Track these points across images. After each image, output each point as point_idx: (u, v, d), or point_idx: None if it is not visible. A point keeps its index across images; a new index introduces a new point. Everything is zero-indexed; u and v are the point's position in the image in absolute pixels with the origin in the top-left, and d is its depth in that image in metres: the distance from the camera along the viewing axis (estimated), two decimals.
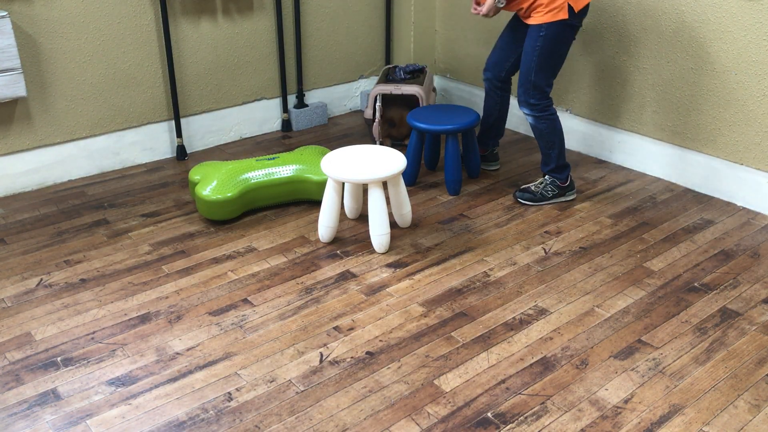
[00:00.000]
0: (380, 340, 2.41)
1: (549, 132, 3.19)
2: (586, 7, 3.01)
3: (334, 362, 2.31)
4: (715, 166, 3.34)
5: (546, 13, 2.96)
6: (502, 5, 3.00)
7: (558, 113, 3.31)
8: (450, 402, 2.14)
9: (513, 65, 3.34)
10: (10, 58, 3.11)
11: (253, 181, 3.16)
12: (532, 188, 3.32)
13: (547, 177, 3.32)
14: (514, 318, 2.52)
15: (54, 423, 2.07)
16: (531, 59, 3.06)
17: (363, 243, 2.99)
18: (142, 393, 2.18)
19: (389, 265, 2.84)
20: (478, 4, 3.12)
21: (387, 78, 3.99)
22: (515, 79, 3.66)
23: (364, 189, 3.29)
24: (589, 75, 3.74)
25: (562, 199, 3.33)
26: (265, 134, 4.17)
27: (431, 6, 4.46)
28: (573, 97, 3.84)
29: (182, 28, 3.69)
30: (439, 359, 2.32)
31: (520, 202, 3.32)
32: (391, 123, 3.87)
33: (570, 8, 2.94)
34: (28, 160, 3.44)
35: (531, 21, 3.03)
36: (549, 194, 3.30)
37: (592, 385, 2.20)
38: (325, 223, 2.94)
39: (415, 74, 4.01)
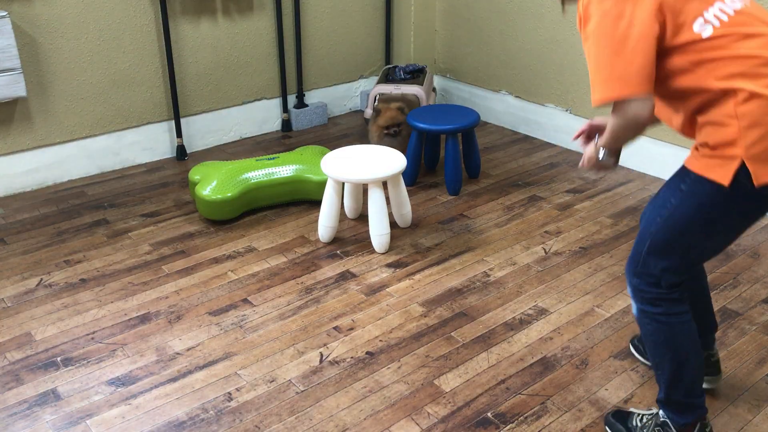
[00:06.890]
0: (380, 340, 2.41)
1: (657, 342, 1.86)
2: None
3: (334, 362, 2.31)
4: None
5: (702, 157, 1.68)
6: (608, 161, 1.83)
7: (671, 301, 1.82)
8: (450, 402, 2.14)
9: None
10: (10, 58, 3.11)
11: (253, 181, 3.16)
12: (632, 424, 1.98)
13: (660, 412, 1.94)
14: (514, 318, 2.52)
15: (54, 423, 2.07)
16: (653, 221, 1.79)
17: (363, 243, 2.99)
18: (142, 393, 2.18)
19: (389, 265, 2.84)
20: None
21: (387, 78, 3.99)
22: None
23: (364, 189, 3.29)
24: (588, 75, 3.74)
25: None
26: (265, 134, 4.17)
27: (431, 6, 4.46)
28: (573, 97, 3.84)
29: (182, 28, 3.68)
30: (439, 359, 2.32)
31: None
32: (395, 132, 3.58)
33: (741, 174, 1.61)
34: (28, 160, 3.44)
35: (686, 161, 1.75)
36: None
37: (592, 385, 2.20)
38: (325, 223, 2.94)
39: (415, 74, 4.01)
